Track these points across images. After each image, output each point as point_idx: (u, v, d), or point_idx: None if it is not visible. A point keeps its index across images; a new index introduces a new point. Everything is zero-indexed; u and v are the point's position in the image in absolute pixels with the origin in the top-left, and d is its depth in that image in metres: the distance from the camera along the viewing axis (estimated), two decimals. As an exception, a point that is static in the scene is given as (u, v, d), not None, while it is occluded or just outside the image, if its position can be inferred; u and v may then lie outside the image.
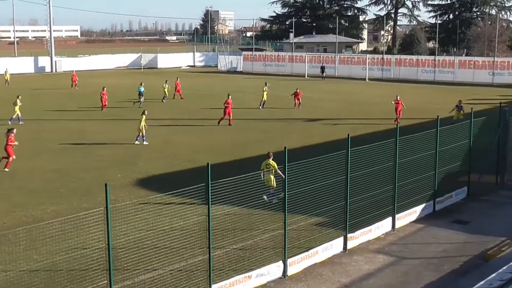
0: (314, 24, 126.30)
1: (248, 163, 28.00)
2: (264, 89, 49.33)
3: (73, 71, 71.64)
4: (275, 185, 20.41)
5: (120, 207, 15.64)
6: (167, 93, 53.65)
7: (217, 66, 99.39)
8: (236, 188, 15.15)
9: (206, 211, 14.41)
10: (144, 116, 33.42)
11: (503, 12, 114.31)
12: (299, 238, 17.91)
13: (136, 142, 33.29)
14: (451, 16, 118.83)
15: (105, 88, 48.42)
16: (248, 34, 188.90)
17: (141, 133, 33.25)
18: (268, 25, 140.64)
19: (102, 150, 32.00)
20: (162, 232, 16.60)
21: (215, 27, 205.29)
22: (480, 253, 17.77)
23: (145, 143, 33.23)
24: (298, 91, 49.16)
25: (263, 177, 19.46)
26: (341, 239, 17.95)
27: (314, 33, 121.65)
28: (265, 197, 19.07)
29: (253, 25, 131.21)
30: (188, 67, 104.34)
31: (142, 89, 49.81)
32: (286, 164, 15.90)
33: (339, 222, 18.14)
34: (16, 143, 27.64)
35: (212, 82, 74.55)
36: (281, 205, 16.21)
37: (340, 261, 17.26)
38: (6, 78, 70.51)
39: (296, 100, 48.53)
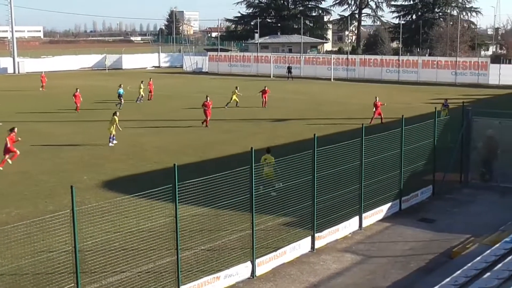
0: (279, 25, 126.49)
1: (214, 164, 28.00)
2: (234, 92, 49.56)
3: (42, 72, 70.79)
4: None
5: (86, 209, 15.47)
6: (142, 93, 53.28)
7: (182, 67, 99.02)
8: (203, 189, 15.11)
9: (173, 212, 14.35)
10: (116, 117, 33.42)
11: (464, 13, 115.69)
12: (267, 238, 17.91)
13: (111, 144, 33.20)
14: (414, 17, 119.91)
15: (78, 90, 47.71)
16: (213, 34, 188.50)
17: (112, 134, 33.26)
18: (233, 26, 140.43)
19: (67, 152, 31.65)
20: (129, 234, 16.48)
21: (180, 28, 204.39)
22: (445, 250, 17.97)
23: (111, 144, 33.15)
24: (266, 89, 49.40)
25: (263, 171, 19.70)
26: (309, 238, 18.00)
27: (279, 34, 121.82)
28: (261, 187, 18.83)
29: (218, 25, 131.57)
30: (153, 68, 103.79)
31: (121, 90, 49.55)
32: (253, 165, 15.89)
33: (306, 222, 18.19)
34: (19, 138, 29.08)
35: (178, 83, 74.25)
36: (249, 205, 16.19)
37: (308, 261, 17.31)
38: None
39: (263, 98, 48.77)
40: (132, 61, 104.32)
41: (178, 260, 14.43)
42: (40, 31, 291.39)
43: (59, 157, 30.37)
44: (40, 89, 64.38)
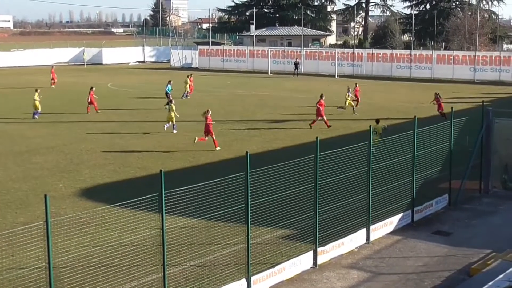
0: (277, 15, 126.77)
1: (205, 170, 27.99)
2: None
3: (52, 66, 70.65)
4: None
5: (62, 220, 15.46)
6: (188, 89, 55.73)
7: (170, 62, 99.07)
8: (192, 198, 15.10)
9: (159, 224, 14.33)
10: (173, 105, 38.03)
11: (484, 2, 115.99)
12: (264, 253, 17.91)
13: (165, 128, 37.77)
14: (427, 6, 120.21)
15: (93, 88, 47.25)
16: (204, 26, 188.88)
17: (171, 122, 37.59)
18: (226, 16, 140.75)
19: (41, 156, 31.59)
20: (110, 248, 16.44)
21: (167, 18, 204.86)
22: (463, 267, 17.97)
23: (175, 131, 37.52)
24: None
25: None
26: (311, 253, 17.99)
27: (277, 25, 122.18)
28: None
29: (209, 16, 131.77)
30: (137, 63, 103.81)
31: (169, 87, 50.19)
32: (248, 171, 15.87)
33: (308, 235, 18.19)
34: (214, 122, 33.50)
35: (165, 80, 73.99)
36: (244, 216, 16.18)
37: (309, 278, 17.30)
38: None
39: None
40: (113, 55, 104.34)
41: (165, 277, 14.41)
42: (9, 21, 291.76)
43: (31, 162, 30.32)
44: (52, 86, 64.11)
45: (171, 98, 47.38)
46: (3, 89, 62.87)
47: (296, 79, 75.51)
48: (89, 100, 45.94)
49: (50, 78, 65.33)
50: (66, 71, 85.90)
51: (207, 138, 33.18)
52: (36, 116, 43.53)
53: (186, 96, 55.12)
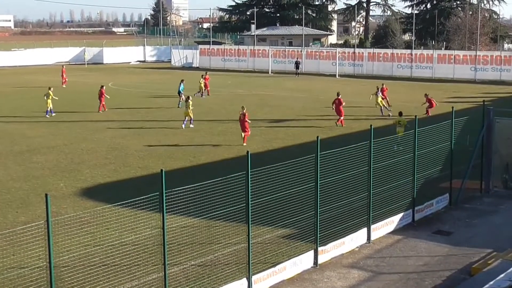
0: (278, 15, 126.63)
1: (205, 169, 28.01)
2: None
3: (62, 66, 70.73)
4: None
5: (63, 220, 15.48)
6: (203, 87, 56.16)
7: (170, 62, 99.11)
8: (193, 198, 15.11)
9: (160, 224, 14.33)
10: (190, 102, 39.24)
11: (485, 2, 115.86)
12: (265, 252, 17.92)
13: (183, 126, 38.92)
14: (428, 6, 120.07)
15: (104, 87, 47.98)
16: (205, 25, 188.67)
17: (188, 117, 39.13)
18: (227, 16, 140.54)
19: (42, 156, 31.62)
20: (111, 248, 16.45)
21: (168, 18, 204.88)
22: (464, 266, 17.97)
23: (191, 126, 39.28)
24: None
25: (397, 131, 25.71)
26: (312, 253, 18.00)
27: (278, 25, 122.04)
28: (396, 147, 22.84)
29: (210, 15, 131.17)
30: (138, 63, 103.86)
31: (182, 87, 50.20)
32: (249, 170, 15.88)
33: (309, 234, 18.19)
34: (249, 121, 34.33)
35: (166, 79, 74.26)
36: (244, 215, 16.19)
37: (310, 278, 17.30)
38: None
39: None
40: (114, 55, 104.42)
41: (166, 277, 14.41)
42: (10, 20, 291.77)
43: (32, 162, 30.34)
44: (63, 85, 64.18)
45: (182, 95, 48.19)
46: (4, 89, 62.89)
47: (297, 78, 75.49)
48: (101, 98, 46.84)
49: (61, 78, 65.44)
50: (67, 71, 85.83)
51: (246, 131, 34.69)
52: (47, 116, 44.13)
53: (201, 95, 55.41)
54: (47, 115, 44.20)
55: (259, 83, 69.05)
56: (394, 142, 23.15)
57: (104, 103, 46.79)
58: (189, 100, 39.34)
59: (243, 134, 34.24)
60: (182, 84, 50.37)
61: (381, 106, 44.81)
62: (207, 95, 55.38)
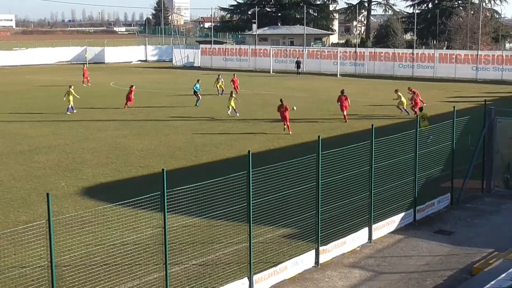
0: (279, 14, 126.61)
1: (207, 168, 28.01)
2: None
3: (84, 65, 70.92)
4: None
5: (64, 219, 15.49)
6: (223, 88, 56.58)
7: (172, 61, 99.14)
8: (194, 197, 15.12)
9: (161, 223, 14.34)
10: (234, 96, 43.97)
11: (486, 1, 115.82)
12: (266, 252, 17.93)
13: (229, 112, 43.34)
14: (430, 5, 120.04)
15: (133, 86, 49.28)
16: (206, 25, 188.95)
17: (232, 108, 43.31)
18: (228, 15, 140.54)
19: (44, 155, 31.63)
20: (112, 247, 16.47)
21: (169, 17, 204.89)
22: (465, 266, 17.97)
23: (237, 114, 43.30)
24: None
25: (420, 126, 24.29)
26: (313, 252, 18.01)
27: (279, 24, 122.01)
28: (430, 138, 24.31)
29: (211, 15, 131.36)
30: (140, 62, 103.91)
31: (198, 86, 50.73)
32: (250, 170, 15.89)
33: (310, 234, 18.20)
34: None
35: (167, 79, 74.31)
36: (246, 214, 16.19)
37: (311, 277, 17.31)
38: None
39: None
40: (115, 54, 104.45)
41: (167, 276, 14.42)
42: (11, 20, 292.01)
43: (34, 161, 30.36)
44: (84, 84, 64.36)
45: (199, 94, 49.66)
46: (5, 88, 62.92)
47: (298, 78, 75.48)
48: (129, 96, 48.37)
49: (82, 77, 65.85)
50: (68, 70, 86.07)
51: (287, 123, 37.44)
52: (68, 113, 45.09)
53: (219, 94, 55.83)
54: (68, 112, 45.12)
55: (260, 82, 69.03)
56: (422, 136, 23.41)
57: (131, 101, 48.25)
58: (233, 95, 44.25)
59: (286, 125, 37.18)
60: (198, 83, 50.90)
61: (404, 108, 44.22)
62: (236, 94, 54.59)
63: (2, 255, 15.07)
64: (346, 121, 40.86)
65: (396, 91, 45.47)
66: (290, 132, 37.08)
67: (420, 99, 42.54)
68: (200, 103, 49.03)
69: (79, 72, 69.87)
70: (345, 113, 41.40)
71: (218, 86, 56.74)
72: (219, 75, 58.56)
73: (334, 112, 43.97)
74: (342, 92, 42.35)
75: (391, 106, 45.23)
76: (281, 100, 38.01)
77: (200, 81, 51.67)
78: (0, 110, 47.26)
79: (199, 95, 49.80)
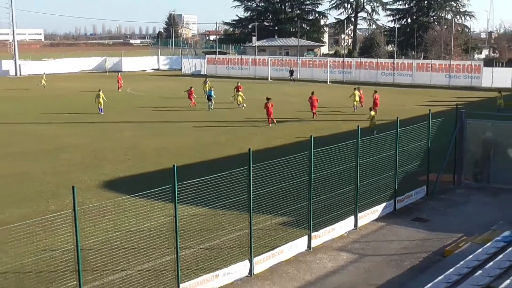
0: (276, 28, 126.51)
1: (212, 164, 28.07)
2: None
3: (118, 73, 71.24)
4: None
5: (87, 209, 15.55)
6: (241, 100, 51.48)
7: (181, 69, 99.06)
8: (202, 189, 15.18)
9: (172, 212, 14.41)
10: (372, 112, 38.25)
11: (458, 17, 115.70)
12: (265, 237, 17.99)
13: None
14: (409, 20, 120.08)
15: (192, 87, 51.08)
16: (212, 37, 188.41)
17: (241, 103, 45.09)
18: (231, 29, 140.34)
19: (69, 153, 31.70)
20: (129, 233, 16.55)
21: (179, 31, 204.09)
22: (438, 249, 18.06)
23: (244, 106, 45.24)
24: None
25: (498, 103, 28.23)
26: (306, 238, 18.09)
27: (276, 37, 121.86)
28: None
29: (216, 29, 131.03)
30: (153, 70, 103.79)
31: (212, 92, 50.53)
32: (251, 166, 15.97)
33: (303, 222, 18.27)
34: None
35: (177, 85, 74.21)
36: (247, 205, 16.27)
37: (304, 259, 17.40)
38: (42, 81, 70.02)
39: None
40: (131, 63, 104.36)
41: (178, 258, 14.49)
42: (41, 34, 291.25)
43: (61, 158, 30.43)
44: (119, 90, 65.23)
45: (212, 100, 49.74)
46: (35, 94, 62.94)
47: (292, 84, 75.43)
48: (190, 97, 50.55)
49: (117, 84, 66.35)
50: (90, 78, 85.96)
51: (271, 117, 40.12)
52: (101, 113, 46.53)
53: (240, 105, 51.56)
54: (101, 112, 46.52)
55: (259, 88, 68.94)
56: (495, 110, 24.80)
57: (193, 100, 50.36)
58: (240, 91, 47.24)
59: (271, 118, 39.94)
60: (212, 90, 50.94)
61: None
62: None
63: (35, 240, 15.12)
64: (314, 118, 43.30)
65: (355, 89, 49.45)
66: (276, 123, 40.33)
67: (377, 102, 44.23)
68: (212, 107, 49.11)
69: (99, 79, 69.80)
70: (314, 111, 43.95)
71: (205, 88, 55.55)
72: (206, 79, 58.63)
73: (324, 115, 44.02)
74: (313, 93, 45.08)
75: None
76: (267, 98, 41.10)
77: (213, 88, 51.98)
78: (31, 113, 47.31)
79: (212, 100, 49.56)
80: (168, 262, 15.39)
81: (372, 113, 37.58)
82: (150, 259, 15.82)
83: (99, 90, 47.47)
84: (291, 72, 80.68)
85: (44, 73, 77.64)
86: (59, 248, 15.12)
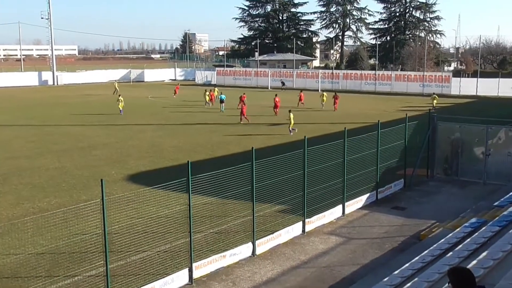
0: (275, 45, 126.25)
1: (221, 160, 27.94)
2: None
3: (178, 83, 71.33)
4: None
5: (114, 198, 15.46)
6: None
7: (194, 80, 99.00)
8: (212, 182, 15.08)
9: (187, 201, 14.31)
10: (291, 114, 37.41)
11: (430, 35, 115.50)
12: (265, 223, 17.88)
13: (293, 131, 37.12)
14: (388, 38, 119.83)
15: (244, 93, 50.38)
16: (221, 53, 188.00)
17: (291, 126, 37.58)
18: (237, 46, 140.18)
19: (99, 150, 31.60)
20: (150, 219, 16.46)
21: (193, 47, 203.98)
22: (415, 233, 17.93)
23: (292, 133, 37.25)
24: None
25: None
26: (300, 223, 17.98)
27: (275, 52, 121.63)
28: None
29: (224, 45, 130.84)
30: (170, 81, 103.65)
31: (223, 96, 51.24)
32: (253, 162, 15.85)
33: (298, 209, 18.17)
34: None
35: (191, 93, 74.06)
36: (250, 195, 16.14)
37: (299, 242, 17.28)
38: (115, 87, 69.23)
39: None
40: (152, 74, 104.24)
41: (191, 241, 14.39)
42: (75, 49, 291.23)
43: (91, 155, 30.34)
44: (174, 96, 65.34)
45: (224, 103, 50.45)
46: (70, 100, 62.90)
47: (288, 93, 75.17)
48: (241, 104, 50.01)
49: (174, 91, 66.64)
50: (118, 87, 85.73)
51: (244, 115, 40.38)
52: (121, 114, 47.16)
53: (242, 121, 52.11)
54: (121, 113, 47.17)
55: (261, 96, 68.84)
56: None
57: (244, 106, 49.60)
58: (291, 113, 37.84)
59: (244, 117, 40.65)
60: (222, 94, 52.09)
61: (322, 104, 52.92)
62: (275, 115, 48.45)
63: (68, 225, 15.04)
64: (276, 114, 44.73)
65: (323, 92, 55.55)
66: (248, 121, 41.43)
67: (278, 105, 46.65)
68: (221, 110, 49.55)
69: (125, 88, 69.48)
70: (276, 110, 46.17)
71: (206, 97, 55.62)
72: (210, 89, 58.85)
73: (316, 118, 43.85)
74: (276, 95, 48.08)
75: (358, 114, 45.08)
76: (240, 98, 42.90)
77: (223, 93, 52.49)
78: (66, 117, 47.21)
79: (223, 104, 50.47)
80: (183, 244, 15.28)
81: (291, 115, 37.71)
82: (167, 242, 15.70)
83: (119, 95, 49.04)
84: (282, 82, 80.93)
85: (116, 81, 79.37)
86: (89, 233, 15.01)
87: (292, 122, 37.66)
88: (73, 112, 50.77)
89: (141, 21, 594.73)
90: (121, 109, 47.89)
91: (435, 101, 53.43)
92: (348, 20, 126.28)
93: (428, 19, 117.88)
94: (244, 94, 56.32)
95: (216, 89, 59.82)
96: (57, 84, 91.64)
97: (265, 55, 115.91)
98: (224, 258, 15.24)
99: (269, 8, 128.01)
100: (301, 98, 55.54)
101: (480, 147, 24.91)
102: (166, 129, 39.96)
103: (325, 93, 55.97)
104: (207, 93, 56.30)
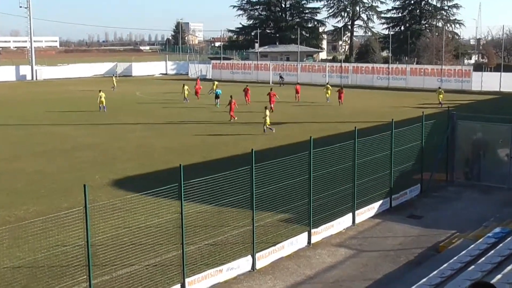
0: (277, 35, 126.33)
1: (216, 164, 27.90)
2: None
3: (197, 77, 73.22)
4: None
5: (98, 206, 15.40)
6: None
7: (188, 74, 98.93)
8: (206, 188, 15.02)
9: (179, 209, 14.26)
10: (267, 111, 38.43)
11: (448, 25, 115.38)
12: (267, 233, 17.82)
13: (269, 131, 37.58)
14: (402, 28, 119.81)
15: (248, 86, 54.47)
16: (217, 44, 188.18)
17: (267, 125, 37.68)
18: (235, 36, 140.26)
19: (81, 152, 31.56)
20: (138, 230, 16.40)
21: (186, 38, 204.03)
22: (433, 245, 17.88)
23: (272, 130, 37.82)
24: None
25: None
26: (306, 234, 17.91)
27: (277, 43, 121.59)
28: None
29: (221, 36, 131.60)
30: (161, 75, 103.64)
31: (219, 91, 52.45)
32: (253, 165, 15.79)
33: (303, 218, 18.11)
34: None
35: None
36: (249, 202, 16.08)
37: (304, 255, 17.22)
38: (113, 83, 69.34)
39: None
40: (141, 68, 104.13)
41: (184, 254, 14.35)
42: (56, 41, 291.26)
43: (75, 157, 30.31)
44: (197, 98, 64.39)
45: (219, 98, 51.16)
46: (51, 96, 62.85)
47: (289, 87, 75.05)
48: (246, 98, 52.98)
49: (194, 87, 65.59)
50: (102, 82, 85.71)
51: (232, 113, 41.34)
52: (105, 110, 48.05)
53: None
54: (104, 110, 48.08)
55: (261, 92, 68.73)
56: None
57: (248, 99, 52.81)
58: (267, 109, 39.03)
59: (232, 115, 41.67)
60: (218, 89, 53.30)
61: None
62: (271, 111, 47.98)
63: (47, 236, 14.96)
64: (272, 111, 43.99)
65: (327, 84, 57.44)
66: (235, 119, 42.29)
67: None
68: (215, 107, 49.85)
69: (111, 83, 69.37)
70: (272, 106, 46.24)
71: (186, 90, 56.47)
72: (184, 84, 58.88)
73: (323, 117, 43.83)
74: (271, 89, 49.94)
75: (370, 111, 45.08)
76: (231, 96, 43.13)
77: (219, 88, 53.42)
78: (47, 115, 47.16)
79: (218, 100, 51.17)
80: (175, 257, 15.23)
81: (267, 112, 38.62)
82: (157, 255, 15.66)
83: (100, 91, 49.08)
84: (281, 76, 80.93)
85: (114, 75, 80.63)
86: (70, 244, 14.95)
87: (268, 120, 37.92)
88: (54, 110, 50.70)
89: (129, 9, 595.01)
90: (103, 105, 48.52)
91: (441, 96, 53.57)
92: (358, 8, 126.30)
93: (446, 7, 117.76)
94: (247, 86, 56.67)
95: (216, 82, 60.47)
96: (36, 79, 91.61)
97: (266, 47, 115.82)
98: (221, 273, 15.18)
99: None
100: (297, 91, 58.37)
101: (504, 148, 24.88)
102: (156, 128, 39.92)
103: (329, 86, 57.72)
104: (186, 87, 56.71)
